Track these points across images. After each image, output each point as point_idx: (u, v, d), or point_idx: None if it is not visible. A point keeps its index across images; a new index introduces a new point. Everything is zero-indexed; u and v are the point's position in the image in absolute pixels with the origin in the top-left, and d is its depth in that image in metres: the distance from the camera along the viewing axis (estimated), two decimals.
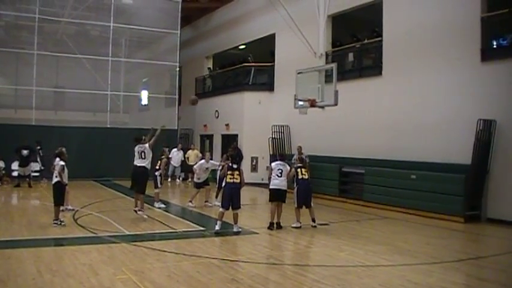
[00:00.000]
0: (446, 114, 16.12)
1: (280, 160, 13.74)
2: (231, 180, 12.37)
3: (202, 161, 17.01)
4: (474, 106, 15.23)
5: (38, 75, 25.05)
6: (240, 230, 12.47)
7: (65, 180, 12.84)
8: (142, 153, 14.04)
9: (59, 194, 12.70)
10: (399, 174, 16.78)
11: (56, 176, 12.65)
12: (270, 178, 13.61)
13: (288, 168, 13.51)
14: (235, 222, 12.48)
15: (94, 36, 27.87)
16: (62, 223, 12.53)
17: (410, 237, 12.62)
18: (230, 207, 12.33)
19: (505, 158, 14.67)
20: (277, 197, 13.24)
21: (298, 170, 13.52)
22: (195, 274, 8.44)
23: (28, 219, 13.58)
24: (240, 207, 12.54)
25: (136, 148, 14.15)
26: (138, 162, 14.04)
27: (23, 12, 24.94)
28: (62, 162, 12.69)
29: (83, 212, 14.69)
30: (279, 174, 13.27)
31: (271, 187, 13.40)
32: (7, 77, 28.56)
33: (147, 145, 14.15)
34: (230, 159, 12.95)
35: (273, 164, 13.72)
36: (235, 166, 12.56)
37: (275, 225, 13.03)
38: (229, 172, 12.42)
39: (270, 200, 13.43)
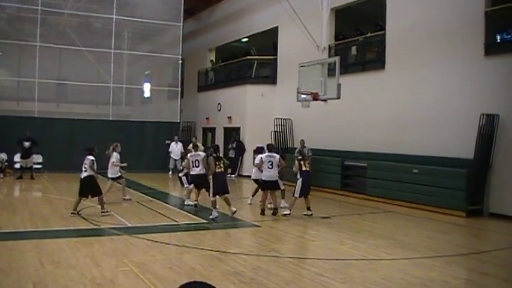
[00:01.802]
0: (449, 109, 16.07)
1: (270, 152, 14.50)
2: (220, 170, 13.38)
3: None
4: (477, 100, 15.18)
5: (41, 67, 25.03)
6: (235, 210, 13.49)
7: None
8: (196, 162, 14.41)
9: (95, 186, 13.11)
10: (401, 168, 16.76)
11: (86, 170, 12.97)
12: (261, 170, 14.37)
13: (278, 158, 14.23)
14: (229, 204, 13.43)
15: (97, 29, 27.84)
16: (107, 212, 13.19)
17: (412, 231, 12.63)
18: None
19: (507, 152, 14.63)
20: (269, 186, 14.22)
21: (302, 162, 14.00)
22: (197, 266, 8.46)
23: (30, 211, 13.61)
24: (229, 192, 13.64)
25: (190, 157, 14.63)
26: (195, 171, 14.51)
27: (25, 4, 24.91)
28: (92, 157, 13.04)
29: (85, 204, 14.69)
30: (270, 166, 14.08)
31: (263, 178, 14.19)
32: (10, 69, 28.57)
33: (201, 153, 14.69)
34: (213, 150, 13.93)
35: (263, 156, 14.35)
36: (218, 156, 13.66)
37: (272, 212, 14.05)
38: (217, 162, 13.31)
39: (262, 190, 14.52)
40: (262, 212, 14.02)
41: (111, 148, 15.53)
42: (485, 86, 15.11)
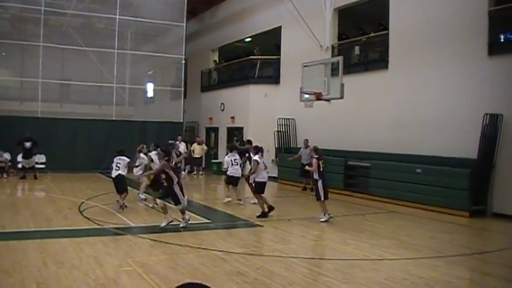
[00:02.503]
0: (453, 108, 16.04)
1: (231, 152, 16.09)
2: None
3: None
4: (480, 100, 15.15)
5: (44, 68, 25.06)
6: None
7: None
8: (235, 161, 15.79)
9: (125, 184, 14.13)
10: (405, 168, 16.74)
11: (118, 169, 13.90)
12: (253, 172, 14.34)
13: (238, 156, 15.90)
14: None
15: (100, 29, 27.84)
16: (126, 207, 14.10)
17: (415, 231, 12.60)
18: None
19: (511, 152, 14.60)
20: (232, 181, 15.65)
21: (320, 162, 13.39)
22: (200, 266, 8.46)
23: (33, 211, 13.63)
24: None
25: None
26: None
27: (28, 5, 24.93)
28: (128, 159, 14.27)
29: (88, 204, 14.73)
30: (235, 163, 15.62)
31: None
32: (13, 69, 28.60)
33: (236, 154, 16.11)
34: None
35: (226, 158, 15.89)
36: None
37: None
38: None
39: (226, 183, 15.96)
40: (227, 202, 15.68)
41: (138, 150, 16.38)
42: (488, 86, 15.07)
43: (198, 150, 24.89)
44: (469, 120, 15.27)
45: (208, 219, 13.16)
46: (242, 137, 25.87)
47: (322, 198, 13.16)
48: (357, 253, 9.85)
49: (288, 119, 23.74)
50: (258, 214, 13.60)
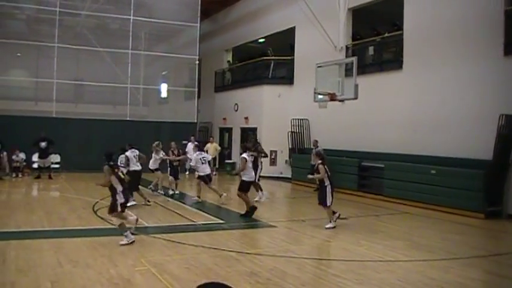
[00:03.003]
0: (468, 109, 15.91)
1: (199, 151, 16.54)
2: None
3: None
4: (496, 101, 15.00)
5: (59, 68, 25.23)
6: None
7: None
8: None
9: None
10: (419, 169, 16.63)
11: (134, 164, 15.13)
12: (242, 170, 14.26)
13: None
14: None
15: (114, 30, 27.96)
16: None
17: (429, 232, 12.53)
18: None
19: None
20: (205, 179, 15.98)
21: (325, 167, 12.53)
22: (214, 266, 8.47)
23: (48, 211, 13.71)
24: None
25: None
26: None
27: (43, 6, 25.10)
28: (142, 155, 15.49)
29: (102, 203, 14.78)
30: (203, 161, 15.98)
31: (201, 174, 15.91)
32: (28, 70, 28.81)
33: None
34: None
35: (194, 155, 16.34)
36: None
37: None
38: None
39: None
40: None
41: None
42: (504, 86, 14.92)
43: (211, 150, 24.91)
44: (484, 121, 15.13)
45: (222, 220, 13.16)
46: (256, 137, 25.91)
47: (329, 204, 12.41)
48: (371, 254, 9.81)
49: (302, 119, 23.71)
50: (242, 213, 13.80)
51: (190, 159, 24.08)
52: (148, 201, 15.16)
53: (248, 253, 9.55)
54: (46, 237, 10.46)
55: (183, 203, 16.22)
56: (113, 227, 11.59)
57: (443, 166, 15.90)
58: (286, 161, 24.42)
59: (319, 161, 12.65)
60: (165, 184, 17.98)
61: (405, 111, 18.21)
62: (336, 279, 7.94)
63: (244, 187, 14.06)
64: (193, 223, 12.66)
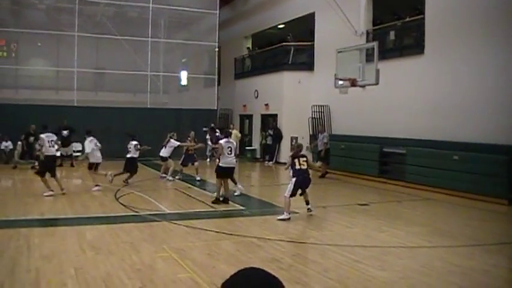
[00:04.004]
0: (490, 94, 15.68)
1: (225, 137, 14.11)
2: None
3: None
4: None
5: (79, 57, 25.40)
6: None
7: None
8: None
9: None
10: (441, 155, 16.48)
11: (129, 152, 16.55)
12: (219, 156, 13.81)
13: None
14: None
15: (133, 18, 28.03)
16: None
17: (451, 219, 12.44)
18: None
19: None
20: (227, 174, 13.70)
21: (296, 160, 12.09)
22: (236, 253, 8.49)
23: (70, 198, 13.80)
24: None
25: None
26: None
27: None
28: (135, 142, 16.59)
29: (124, 191, 14.89)
30: (230, 152, 13.50)
31: (222, 165, 13.52)
32: (49, 59, 28.97)
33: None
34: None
35: (222, 142, 13.71)
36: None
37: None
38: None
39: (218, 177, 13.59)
40: (216, 201, 13.47)
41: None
42: None
43: (232, 137, 24.89)
44: (507, 106, 14.91)
45: (243, 206, 13.17)
46: (276, 124, 25.89)
47: (288, 195, 11.83)
48: (393, 240, 9.76)
49: (322, 105, 23.59)
50: (213, 200, 13.51)
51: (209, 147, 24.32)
52: (63, 189, 14.32)
53: (270, 239, 9.55)
54: (69, 224, 10.59)
55: (204, 189, 16.26)
56: (136, 214, 11.71)
57: (466, 152, 15.72)
58: (307, 147, 24.37)
59: (291, 154, 12.75)
60: (186, 171, 18.05)
61: (426, 97, 18.01)
62: (359, 265, 7.91)
63: (219, 173, 13.53)
64: (214, 210, 12.69)
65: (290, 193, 11.78)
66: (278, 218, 11.61)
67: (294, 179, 11.94)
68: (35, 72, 28.00)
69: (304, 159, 12.16)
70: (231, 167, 13.67)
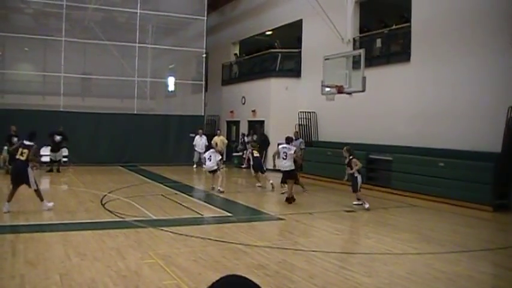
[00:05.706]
0: (476, 101, 15.81)
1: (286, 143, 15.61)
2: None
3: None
4: (505, 93, 14.89)
5: (66, 62, 25.24)
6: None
7: None
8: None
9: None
10: (427, 161, 16.57)
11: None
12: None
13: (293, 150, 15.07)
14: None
15: (121, 23, 28.02)
16: None
17: (437, 225, 12.50)
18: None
19: None
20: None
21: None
22: (221, 259, 8.47)
23: (57, 204, 13.69)
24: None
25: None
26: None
27: (50, 0, 25.11)
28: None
29: (110, 197, 14.82)
30: (284, 157, 14.89)
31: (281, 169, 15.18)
32: (36, 64, 28.91)
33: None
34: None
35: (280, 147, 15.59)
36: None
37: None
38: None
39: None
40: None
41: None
42: None
43: (219, 143, 24.89)
44: (493, 113, 15.05)
45: (230, 213, 13.16)
46: (263, 130, 25.90)
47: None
48: (379, 247, 9.78)
49: (309, 112, 23.66)
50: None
51: (199, 152, 24.28)
52: None
53: (256, 246, 9.54)
54: (55, 230, 10.50)
55: (191, 196, 16.23)
56: (121, 220, 11.65)
57: (452, 158, 15.83)
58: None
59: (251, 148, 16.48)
60: (173, 177, 17.97)
61: (413, 104, 18.13)
62: (345, 272, 7.92)
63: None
64: (200, 216, 12.67)
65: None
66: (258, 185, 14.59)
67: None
68: (22, 76, 27.92)
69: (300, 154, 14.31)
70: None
